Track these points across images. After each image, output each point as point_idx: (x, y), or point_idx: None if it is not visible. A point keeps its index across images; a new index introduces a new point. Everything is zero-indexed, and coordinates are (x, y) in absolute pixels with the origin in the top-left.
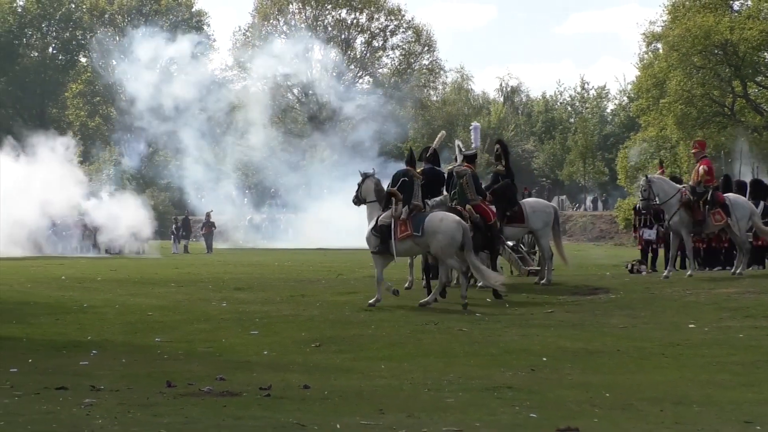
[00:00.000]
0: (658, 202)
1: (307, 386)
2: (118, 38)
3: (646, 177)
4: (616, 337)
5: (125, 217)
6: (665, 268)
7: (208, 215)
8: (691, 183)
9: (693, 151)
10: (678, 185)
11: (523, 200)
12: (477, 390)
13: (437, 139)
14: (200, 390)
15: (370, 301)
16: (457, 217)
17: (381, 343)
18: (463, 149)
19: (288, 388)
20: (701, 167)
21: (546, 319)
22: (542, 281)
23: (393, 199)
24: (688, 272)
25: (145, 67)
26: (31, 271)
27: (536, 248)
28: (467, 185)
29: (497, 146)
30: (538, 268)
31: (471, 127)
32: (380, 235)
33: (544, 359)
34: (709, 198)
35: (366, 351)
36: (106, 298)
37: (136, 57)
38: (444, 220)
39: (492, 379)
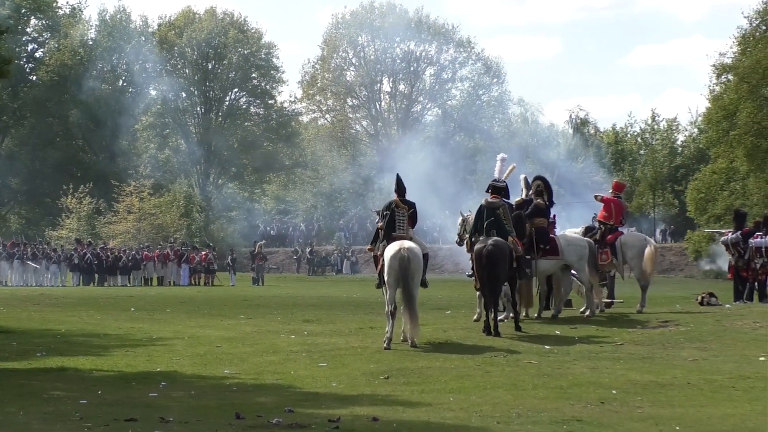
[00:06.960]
0: None
1: (376, 418)
2: (188, 71)
3: None
4: (686, 370)
5: None
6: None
7: (259, 247)
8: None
9: (610, 191)
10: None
11: (559, 233)
12: (546, 423)
13: (508, 171)
14: (269, 422)
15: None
16: None
17: (449, 375)
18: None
19: (356, 420)
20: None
21: (615, 351)
22: (586, 313)
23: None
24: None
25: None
26: (101, 303)
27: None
28: (505, 216)
29: (539, 182)
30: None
31: (498, 158)
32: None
33: (614, 392)
34: (598, 238)
35: (434, 383)
36: (175, 330)
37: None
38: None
39: (561, 412)
